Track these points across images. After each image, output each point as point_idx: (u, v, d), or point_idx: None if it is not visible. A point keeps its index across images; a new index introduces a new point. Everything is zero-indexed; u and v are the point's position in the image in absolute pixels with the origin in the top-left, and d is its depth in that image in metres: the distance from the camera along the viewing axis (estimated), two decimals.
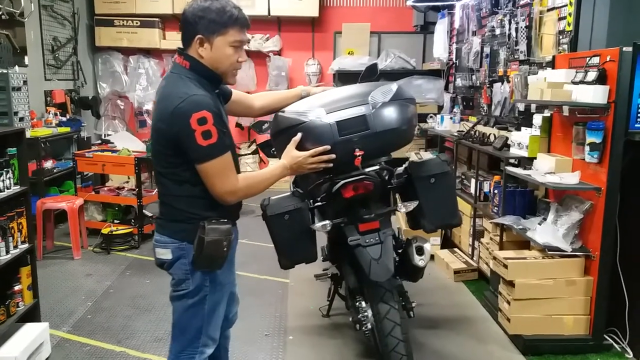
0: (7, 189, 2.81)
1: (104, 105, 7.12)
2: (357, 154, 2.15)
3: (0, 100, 4.76)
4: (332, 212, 2.50)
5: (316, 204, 2.53)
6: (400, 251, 2.62)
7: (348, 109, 2.18)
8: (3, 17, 4.94)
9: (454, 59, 5.87)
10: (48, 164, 5.12)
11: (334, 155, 2.11)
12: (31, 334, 2.84)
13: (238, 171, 1.92)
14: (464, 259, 4.21)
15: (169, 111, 1.75)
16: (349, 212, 2.43)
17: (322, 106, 2.19)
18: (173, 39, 6.83)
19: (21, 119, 4.93)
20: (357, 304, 2.52)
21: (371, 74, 2.73)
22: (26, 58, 5.40)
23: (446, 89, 6.00)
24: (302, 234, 2.44)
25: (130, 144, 5.38)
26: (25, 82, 5.03)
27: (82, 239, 4.66)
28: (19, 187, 2.92)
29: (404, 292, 2.58)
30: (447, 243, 4.64)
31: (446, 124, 5.31)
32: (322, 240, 2.92)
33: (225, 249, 1.84)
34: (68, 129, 5.53)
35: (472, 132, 4.48)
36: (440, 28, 5.82)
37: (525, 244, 3.28)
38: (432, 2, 5.74)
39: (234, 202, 1.87)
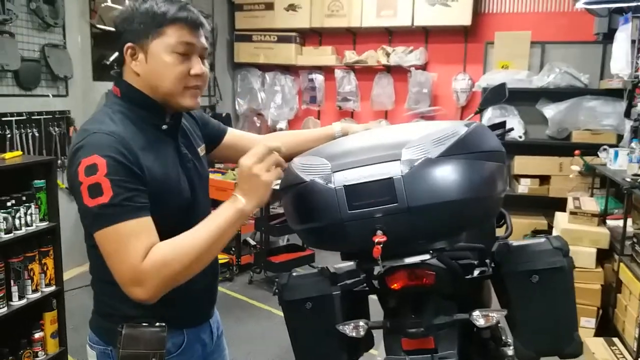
0: (28, 225, 2.52)
1: (240, 122, 7.04)
2: (377, 239, 1.32)
3: None
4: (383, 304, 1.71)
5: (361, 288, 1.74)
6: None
7: (369, 166, 1.32)
8: None
9: None
10: None
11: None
12: None
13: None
14: (624, 357, 3.00)
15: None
16: (393, 313, 1.61)
17: (331, 158, 1.39)
18: (309, 55, 6.45)
19: None
20: None
21: (497, 98, 1.91)
22: None
23: (627, 115, 4.64)
24: (327, 333, 1.66)
25: None
26: None
27: None
28: (46, 223, 2.63)
29: None
30: (606, 327, 3.43)
31: (621, 162, 4.02)
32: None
33: None
34: None
35: None
36: (622, 36, 4.47)
37: None
38: (611, 3, 4.45)
39: (146, 298, 1.14)
